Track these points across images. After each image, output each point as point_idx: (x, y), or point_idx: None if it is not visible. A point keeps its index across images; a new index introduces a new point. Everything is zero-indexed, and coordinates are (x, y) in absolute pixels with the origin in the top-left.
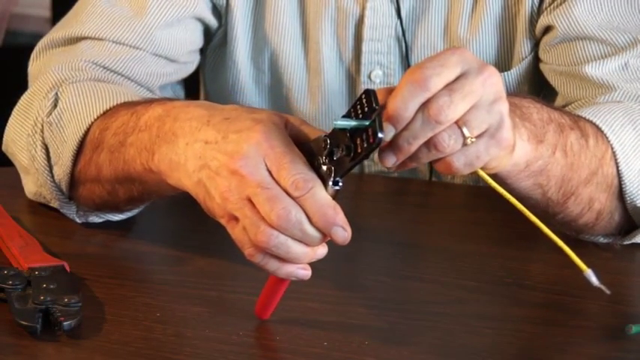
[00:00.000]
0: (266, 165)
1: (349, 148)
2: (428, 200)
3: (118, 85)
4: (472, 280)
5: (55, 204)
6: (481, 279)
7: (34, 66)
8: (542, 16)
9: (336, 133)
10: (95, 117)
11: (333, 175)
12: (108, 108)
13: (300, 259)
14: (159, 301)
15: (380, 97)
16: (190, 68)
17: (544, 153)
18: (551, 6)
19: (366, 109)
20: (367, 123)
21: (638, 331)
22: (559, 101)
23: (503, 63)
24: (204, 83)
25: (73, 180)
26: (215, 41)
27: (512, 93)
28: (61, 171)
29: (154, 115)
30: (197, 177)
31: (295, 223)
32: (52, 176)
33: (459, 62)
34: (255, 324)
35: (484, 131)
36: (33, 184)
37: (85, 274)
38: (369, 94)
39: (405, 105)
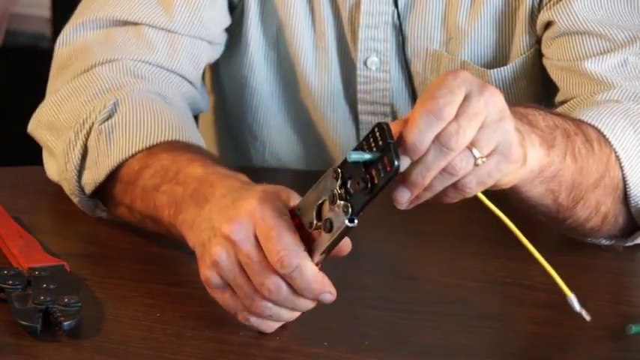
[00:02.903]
0: (255, 234)
1: (365, 180)
2: (428, 200)
3: (171, 104)
4: (472, 280)
5: (74, 200)
6: (481, 279)
7: (62, 50)
8: (542, 12)
9: (347, 165)
10: (143, 147)
11: (350, 212)
12: (156, 143)
13: (291, 319)
14: (159, 301)
15: (393, 130)
16: (221, 49)
17: (555, 158)
18: (552, 1)
19: (380, 142)
20: (379, 154)
21: (638, 331)
22: (559, 97)
23: (500, 56)
24: (216, 65)
25: (105, 194)
26: (233, 18)
27: (515, 103)
28: (92, 178)
29: (194, 174)
30: (203, 237)
31: (286, 297)
32: (80, 178)
33: (462, 84)
34: None
35: (493, 149)
36: (56, 173)
37: (85, 274)
38: (383, 127)
39: (422, 137)
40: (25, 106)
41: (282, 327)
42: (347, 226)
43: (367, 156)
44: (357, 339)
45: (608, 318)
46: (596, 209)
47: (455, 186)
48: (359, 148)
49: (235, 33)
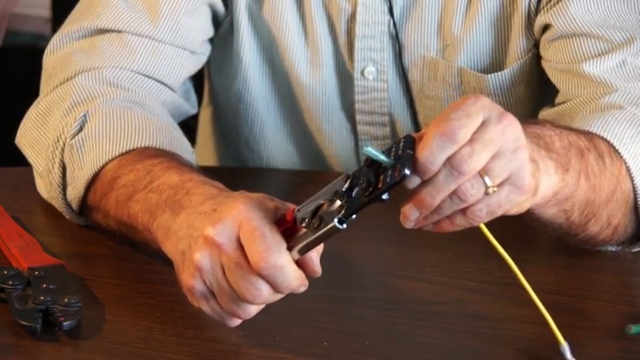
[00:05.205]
0: (238, 238)
1: (370, 183)
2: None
3: (148, 110)
4: (472, 280)
5: (66, 216)
6: (481, 279)
7: (49, 60)
8: (539, 15)
9: (361, 172)
10: (114, 155)
11: (342, 213)
12: (129, 149)
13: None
14: (159, 301)
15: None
16: (203, 59)
17: (570, 181)
18: (548, 5)
19: (400, 152)
20: (393, 161)
21: (638, 331)
22: (559, 99)
23: (497, 62)
24: (209, 77)
25: (85, 205)
26: (222, 30)
27: (531, 121)
28: (74, 193)
29: (169, 182)
30: (182, 246)
31: (268, 297)
32: (64, 194)
33: (481, 110)
34: (255, 324)
35: (505, 179)
36: (45, 191)
37: (85, 274)
38: (409, 139)
39: (433, 158)
40: (25, 106)
41: (283, 328)
42: (335, 226)
43: (382, 157)
44: (357, 339)
45: (608, 318)
46: (608, 223)
47: (464, 213)
48: (384, 152)
49: (227, 47)
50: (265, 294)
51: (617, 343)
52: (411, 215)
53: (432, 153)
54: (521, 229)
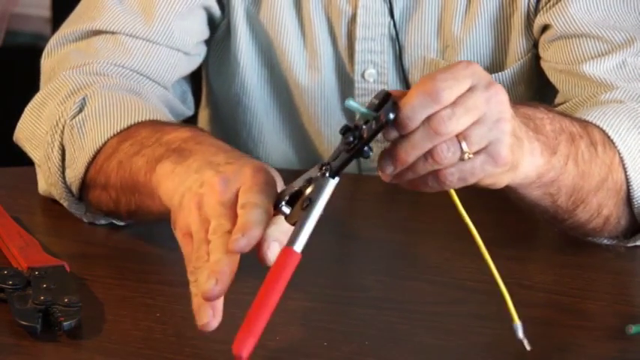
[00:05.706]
0: (237, 191)
1: (355, 137)
2: (427, 199)
3: (145, 98)
4: (472, 280)
5: (64, 204)
6: (480, 279)
7: (46, 63)
8: (538, 16)
9: (335, 155)
10: (117, 131)
11: (330, 168)
12: (131, 124)
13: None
14: (159, 301)
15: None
16: (198, 61)
17: (556, 164)
18: (547, 5)
19: (379, 105)
20: (376, 114)
21: (638, 331)
22: (559, 99)
23: (497, 62)
24: (207, 79)
25: (84, 185)
26: (219, 33)
27: (525, 103)
28: (73, 175)
29: (181, 136)
30: (184, 187)
31: (221, 242)
32: (64, 178)
33: (469, 76)
34: None
35: (482, 148)
36: (44, 182)
37: (85, 274)
38: (383, 94)
39: (413, 115)
40: (25, 106)
41: (283, 328)
42: (328, 180)
43: (364, 110)
44: (357, 339)
45: (608, 318)
46: (598, 211)
47: (436, 175)
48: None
49: (225, 50)
50: (220, 233)
51: (617, 343)
52: (385, 169)
53: (413, 109)
54: (521, 228)
